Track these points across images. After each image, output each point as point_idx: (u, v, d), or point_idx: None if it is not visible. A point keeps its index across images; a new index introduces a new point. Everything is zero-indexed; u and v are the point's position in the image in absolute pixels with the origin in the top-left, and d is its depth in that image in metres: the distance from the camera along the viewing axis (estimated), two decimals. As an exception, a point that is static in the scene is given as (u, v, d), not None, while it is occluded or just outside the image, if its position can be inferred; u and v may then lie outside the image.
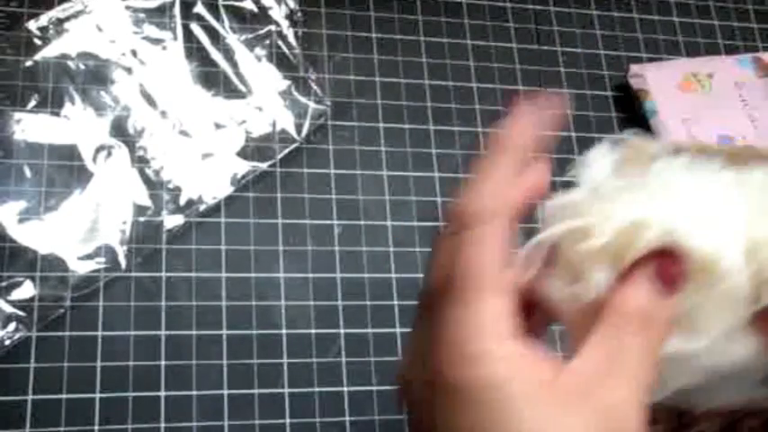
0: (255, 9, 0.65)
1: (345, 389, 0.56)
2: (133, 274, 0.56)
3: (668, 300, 0.27)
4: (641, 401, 0.26)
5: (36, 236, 0.55)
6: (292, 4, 0.65)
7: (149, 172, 0.58)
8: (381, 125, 0.65)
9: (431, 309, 0.28)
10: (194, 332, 0.55)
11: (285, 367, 0.56)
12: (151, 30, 0.62)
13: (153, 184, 0.58)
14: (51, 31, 0.60)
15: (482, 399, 0.25)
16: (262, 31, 0.65)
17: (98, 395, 0.52)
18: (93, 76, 0.60)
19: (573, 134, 0.68)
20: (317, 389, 0.56)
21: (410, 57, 0.68)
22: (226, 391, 0.54)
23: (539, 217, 0.30)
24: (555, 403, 0.26)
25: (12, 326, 0.52)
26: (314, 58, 0.65)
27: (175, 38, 0.63)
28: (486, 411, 0.25)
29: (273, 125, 0.62)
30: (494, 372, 0.26)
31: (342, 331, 0.57)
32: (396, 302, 0.59)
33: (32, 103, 0.58)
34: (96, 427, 0.52)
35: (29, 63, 0.59)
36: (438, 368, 0.26)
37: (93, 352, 0.53)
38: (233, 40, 0.64)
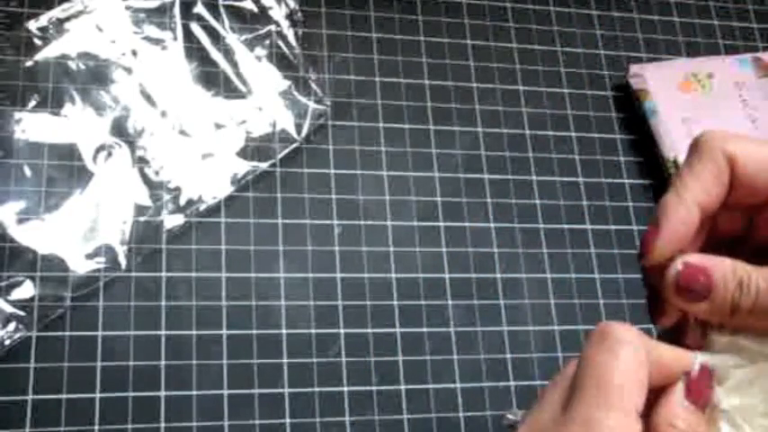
0: (255, 9, 0.65)
1: (345, 389, 0.56)
2: (133, 274, 0.56)
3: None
4: None
5: (36, 236, 0.55)
6: (292, 4, 0.65)
7: (149, 172, 0.59)
8: (381, 125, 0.65)
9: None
10: (194, 332, 0.55)
11: (285, 367, 0.56)
12: (151, 30, 0.62)
13: (153, 184, 0.58)
14: (51, 31, 0.60)
15: None
16: (262, 31, 0.65)
17: (98, 395, 0.52)
18: (93, 76, 0.60)
19: (573, 134, 0.68)
20: (317, 389, 0.56)
21: (410, 57, 0.68)
22: (226, 391, 0.54)
23: None
24: None
25: (12, 326, 0.52)
26: (314, 58, 0.65)
27: (175, 38, 0.63)
28: None
29: (273, 125, 0.62)
30: None
31: (342, 331, 0.57)
32: (396, 302, 0.59)
33: (32, 103, 0.58)
34: (96, 427, 0.52)
35: (29, 63, 0.59)
36: None
37: (93, 352, 0.53)
38: (233, 40, 0.64)
